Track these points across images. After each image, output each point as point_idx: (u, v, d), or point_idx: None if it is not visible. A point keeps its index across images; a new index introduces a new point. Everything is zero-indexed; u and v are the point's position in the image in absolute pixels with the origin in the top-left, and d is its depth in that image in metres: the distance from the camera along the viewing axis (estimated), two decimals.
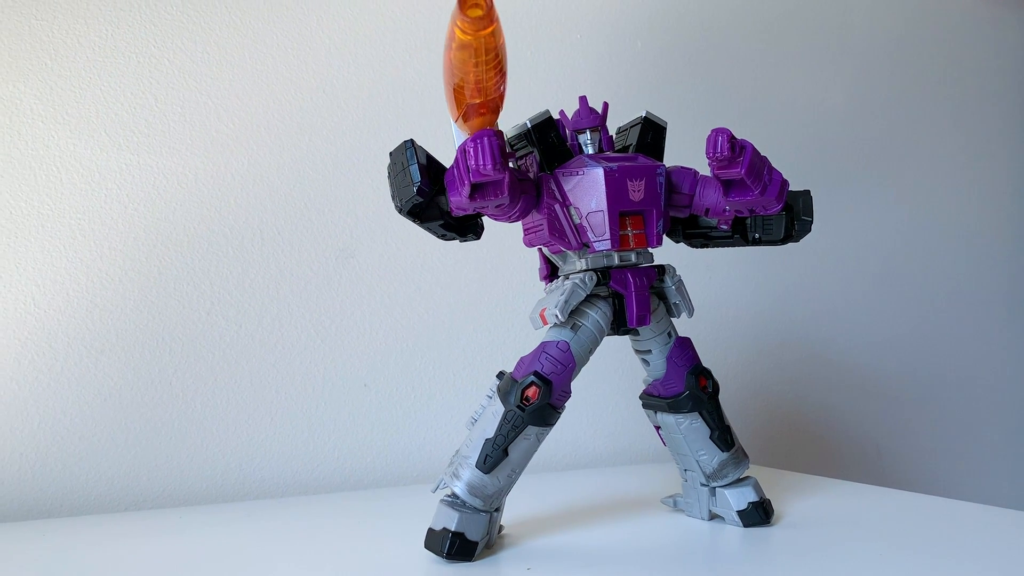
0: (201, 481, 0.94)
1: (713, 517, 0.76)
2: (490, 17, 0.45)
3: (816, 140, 1.33)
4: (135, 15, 0.93)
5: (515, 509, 0.79)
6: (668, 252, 1.17)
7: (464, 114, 0.56)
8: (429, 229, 0.65)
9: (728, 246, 0.79)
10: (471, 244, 0.71)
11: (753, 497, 0.73)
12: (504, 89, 0.55)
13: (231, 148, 0.97)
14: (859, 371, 1.35)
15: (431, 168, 0.61)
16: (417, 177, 0.59)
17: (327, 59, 1.02)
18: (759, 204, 0.68)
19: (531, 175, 0.68)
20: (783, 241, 0.78)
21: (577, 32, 1.17)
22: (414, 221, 0.63)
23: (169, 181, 0.94)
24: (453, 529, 0.63)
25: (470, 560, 0.63)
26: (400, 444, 1.03)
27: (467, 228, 0.68)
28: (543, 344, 0.66)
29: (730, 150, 0.64)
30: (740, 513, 0.73)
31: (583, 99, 0.72)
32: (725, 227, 0.76)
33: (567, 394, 0.66)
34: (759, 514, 0.73)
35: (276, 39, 0.99)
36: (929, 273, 1.43)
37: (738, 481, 0.74)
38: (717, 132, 0.64)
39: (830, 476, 0.95)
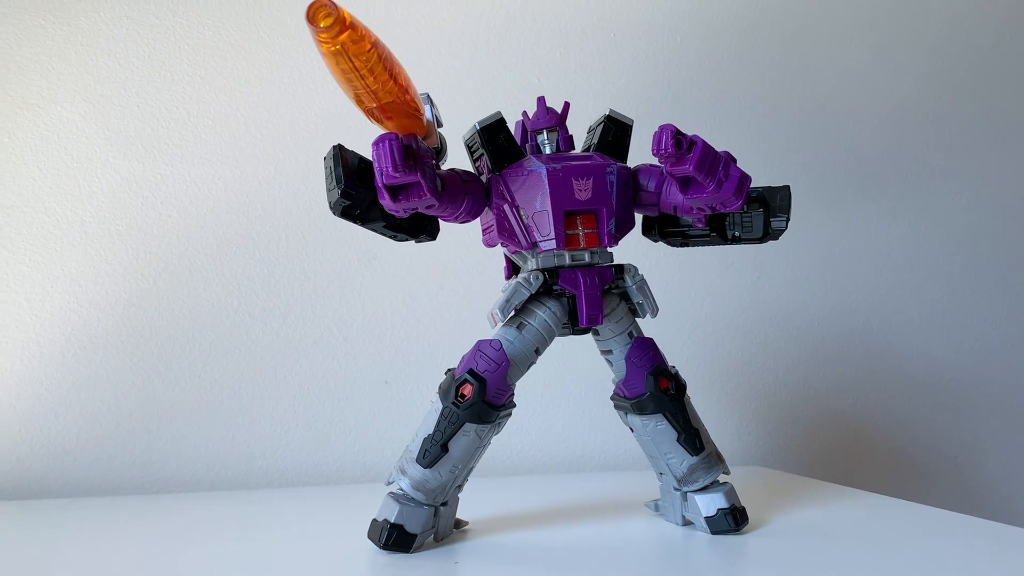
0: (227, 468, 1.00)
1: (687, 523, 0.74)
2: (342, 22, 0.47)
3: (882, 135, 1.25)
4: (170, 36, 1.01)
5: (493, 508, 0.81)
6: (699, 255, 1.15)
7: (376, 120, 0.57)
8: (374, 230, 0.67)
9: (706, 244, 0.77)
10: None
11: (723, 503, 0.71)
12: (407, 90, 0.56)
13: (258, 157, 1.03)
14: (928, 380, 1.26)
15: (362, 171, 0.63)
16: (341, 180, 0.62)
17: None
18: (716, 201, 0.66)
19: (484, 176, 0.70)
20: (762, 240, 0.75)
21: (612, 31, 1.16)
22: (355, 223, 0.66)
23: (200, 189, 1.01)
24: (392, 521, 0.65)
25: (407, 552, 0.65)
26: None
27: (419, 229, 0.70)
28: (478, 343, 0.67)
29: (675, 146, 0.63)
30: (708, 519, 0.71)
31: (541, 100, 0.73)
32: (700, 225, 0.74)
33: (504, 392, 0.67)
34: (727, 521, 0.70)
35: (302, 54, 1.04)
36: (1007, 275, 1.31)
37: (711, 486, 0.72)
38: (662, 128, 0.63)
39: (893, 494, 0.89)
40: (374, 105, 0.54)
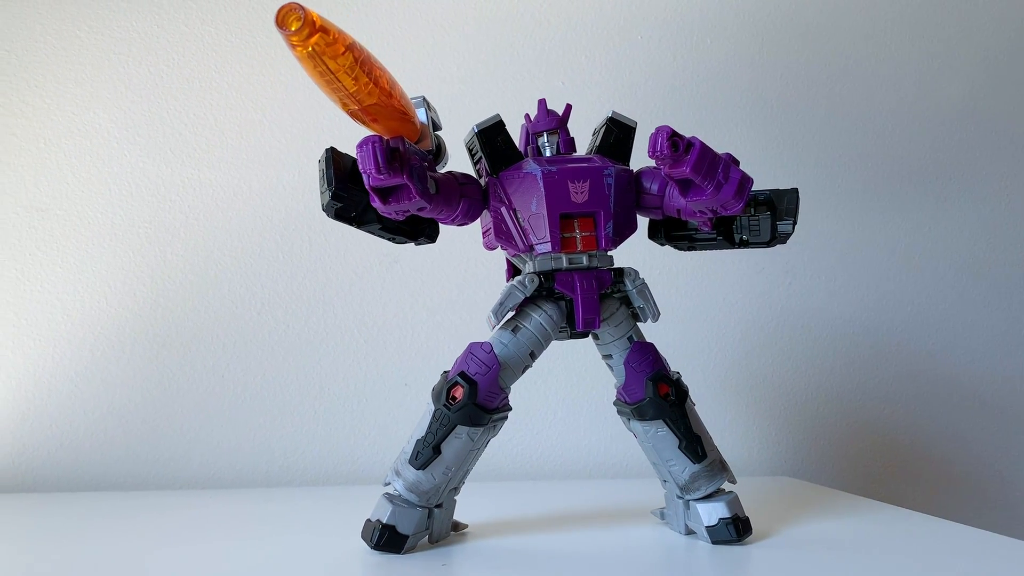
0: (248, 467, 1.02)
1: (690, 531, 0.73)
2: (311, 24, 0.47)
3: (923, 136, 1.21)
4: (199, 45, 1.04)
5: (497, 511, 0.81)
6: (726, 259, 1.13)
7: (362, 122, 0.58)
8: (371, 232, 0.68)
9: (713, 248, 0.76)
10: None
11: (725, 513, 0.69)
12: (391, 93, 0.56)
13: (283, 162, 1.05)
14: (971, 390, 1.21)
15: (355, 174, 0.64)
16: (332, 182, 0.62)
17: None
18: (716, 204, 0.65)
19: (483, 179, 0.70)
20: (769, 244, 0.74)
21: (639, 33, 1.15)
22: (351, 225, 0.66)
23: (226, 193, 1.03)
24: (385, 521, 0.65)
25: (398, 552, 0.65)
26: None
27: (417, 231, 0.70)
28: (470, 345, 0.67)
29: (671, 148, 0.62)
30: (709, 528, 0.69)
31: (541, 102, 0.73)
32: (706, 229, 0.72)
33: (496, 395, 0.66)
34: (729, 531, 0.69)
35: None
36: None
37: (714, 495, 0.71)
38: (658, 130, 0.62)
39: (934, 511, 0.85)
40: (355, 107, 0.55)
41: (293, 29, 0.46)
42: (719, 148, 1.12)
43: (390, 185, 0.58)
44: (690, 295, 1.14)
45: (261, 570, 0.62)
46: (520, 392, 1.05)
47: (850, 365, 1.17)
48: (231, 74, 1.04)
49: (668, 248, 0.77)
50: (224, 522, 0.80)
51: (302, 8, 0.47)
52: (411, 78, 1.07)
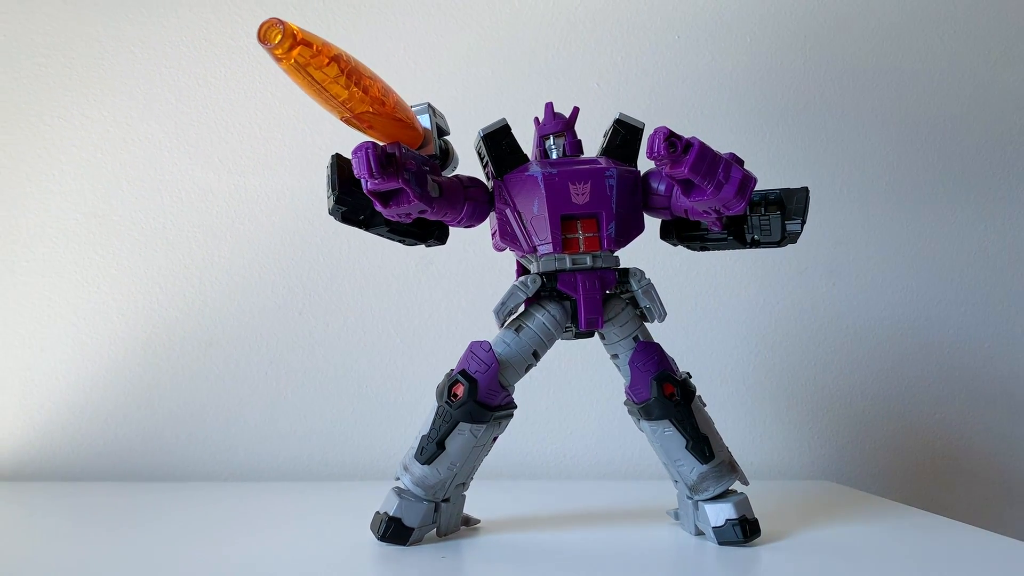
0: (289, 461, 1.06)
1: (700, 532, 0.73)
2: (292, 37, 0.50)
3: (976, 129, 1.16)
4: (244, 57, 1.08)
5: (514, 509, 0.82)
6: (770, 261, 1.11)
7: (357, 129, 0.60)
8: (380, 234, 0.70)
9: (725, 248, 0.75)
10: None
11: (732, 514, 0.69)
12: (384, 101, 0.59)
13: (323, 169, 1.08)
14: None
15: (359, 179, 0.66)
16: (335, 187, 0.65)
17: (409, 81, 1.10)
18: (718, 204, 0.65)
19: (490, 182, 0.71)
20: (780, 243, 0.73)
21: (676, 33, 1.15)
22: (359, 228, 0.69)
23: (269, 198, 1.08)
24: (391, 514, 0.68)
25: (403, 544, 0.67)
26: None
27: (427, 233, 0.72)
28: (471, 344, 0.69)
29: (667, 148, 0.62)
30: (715, 529, 0.69)
31: (548, 105, 0.74)
32: (716, 229, 0.72)
33: (497, 393, 0.68)
34: (735, 532, 0.69)
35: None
36: None
37: (723, 495, 0.70)
38: (656, 131, 0.63)
39: (988, 526, 0.80)
40: (348, 115, 0.57)
41: (275, 43, 0.49)
42: (759, 150, 1.14)
43: (386, 189, 0.61)
44: (728, 296, 1.13)
45: (266, 558, 0.65)
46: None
47: (897, 368, 1.14)
48: (275, 86, 1.09)
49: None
50: (255, 513, 0.84)
51: (282, 23, 0.49)
52: (447, 83, 1.10)
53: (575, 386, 1.10)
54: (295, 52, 0.50)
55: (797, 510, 0.85)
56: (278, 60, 0.50)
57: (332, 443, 1.07)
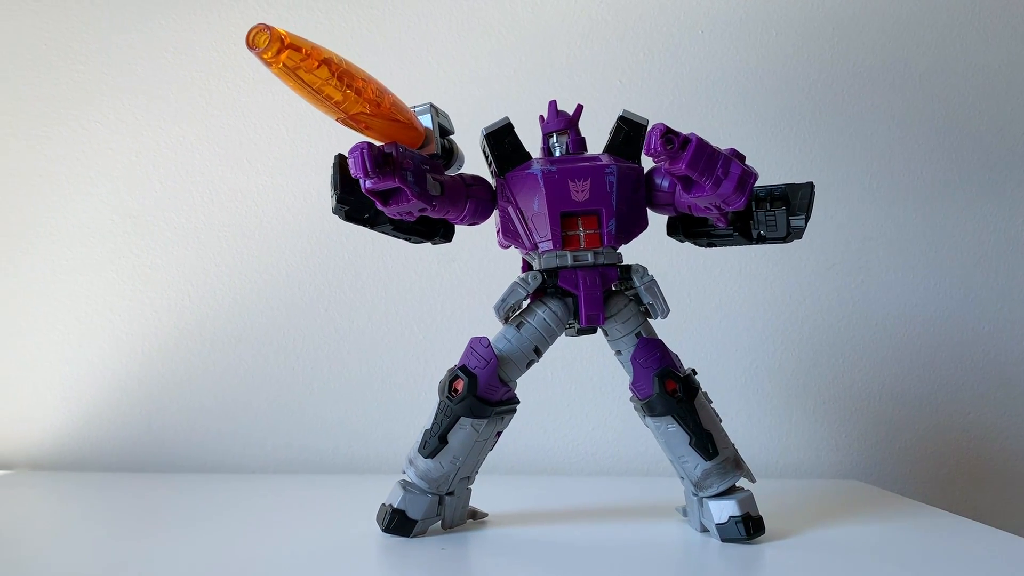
0: (316, 454, 1.09)
1: (704, 529, 0.72)
2: (279, 41, 0.51)
3: (1019, 120, 1.13)
4: None
5: (520, 503, 0.83)
6: (798, 255, 1.10)
7: (354, 130, 0.62)
8: (385, 232, 0.72)
9: (731, 244, 0.75)
10: None
11: (735, 511, 0.69)
12: (379, 102, 0.60)
13: None
14: None
15: None
16: (337, 187, 0.67)
17: (432, 82, 1.12)
18: (717, 200, 0.65)
19: (494, 180, 0.72)
20: (785, 239, 0.72)
21: (700, 28, 1.14)
22: (364, 227, 0.70)
23: (296, 198, 1.11)
24: (396, 506, 0.69)
25: (406, 536, 0.69)
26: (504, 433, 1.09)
27: (432, 231, 0.74)
28: (471, 340, 0.70)
29: (664, 145, 0.62)
30: (719, 526, 0.69)
31: (552, 103, 0.74)
32: (721, 225, 0.72)
33: (497, 388, 0.69)
34: (738, 529, 0.68)
35: (388, 68, 1.12)
36: None
37: (726, 492, 0.70)
38: (653, 127, 0.63)
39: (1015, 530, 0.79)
40: (342, 116, 0.59)
41: (262, 47, 0.51)
42: (787, 145, 1.13)
43: (383, 188, 0.62)
44: (753, 292, 1.11)
45: (268, 551, 0.67)
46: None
47: (929, 366, 1.11)
48: None
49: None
50: (278, 504, 0.87)
51: (268, 28, 0.51)
52: (470, 83, 1.12)
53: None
54: (283, 56, 0.52)
55: (814, 508, 0.84)
56: (268, 65, 0.52)
57: (357, 437, 1.09)
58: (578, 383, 1.10)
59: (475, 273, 1.10)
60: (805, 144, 1.13)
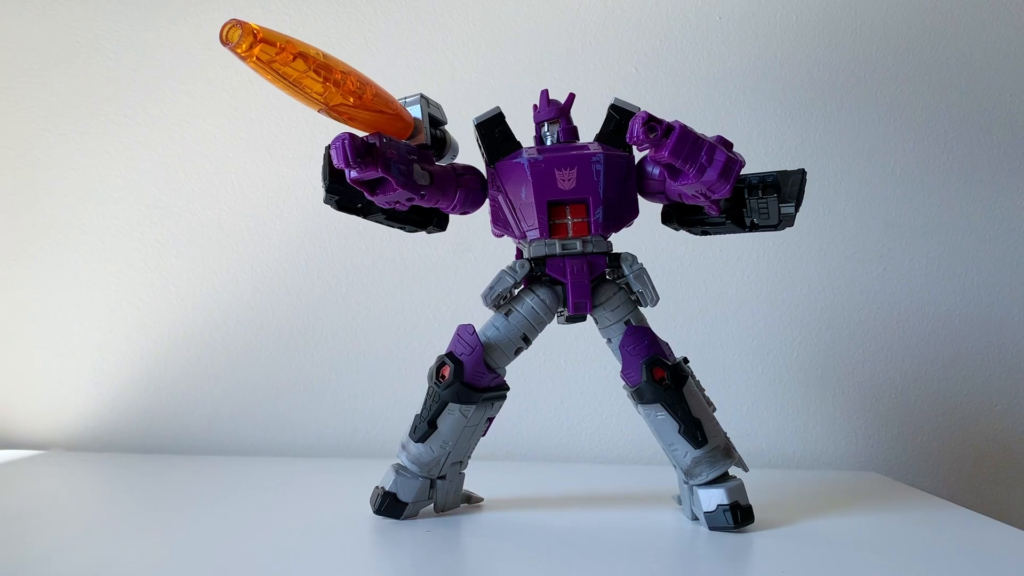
0: (334, 438, 1.11)
1: (695, 517, 0.73)
2: (252, 35, 0.53)
3: None
4: None
5: (525, 489, 0.84)
6: (818, 243, 1.08)
7: (338, 121, 0.63)
8: (378, 222, 0.73)
9: (726, 232, 0.75)
10: None
11: (723, 499, 0.69)
12: (357, 92, 0.61)
13: None
14: None
15: None
16: (326, 178, 0.68)
17: (448, 73, 1.13)
18: (702, 187, 0.65)
19: (485, 169, 0.73)
20: (777, 227, 0.72)
21: (717, 14, 1.13)
22: (358, 215, 0.72)
23: (316, 189, 1.12)
24: (387, 489, 0.71)
25: (397, 518, 0.71)
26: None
27: (425, 220, 0.75)
28: (458, 327, 0.71)
29: (647, 133, 0.63)
30: (707, 514, 0.69)
31: (544, 92, 0.75)
32: (713, 213, 0.72)
33: (484, 375, 0.70)
34: (726, 518, 0.68)
35: (406, 61, 1.13)
36: None
37: (716, 480, 0.70)
38: (635, 116, 0.63)
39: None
40: (323, 107, 0.60)
41: (235, 42, 0.52)
42: (810, 130, 1.11)
43: (367, 179, 0.63)
44: (772, 281, 1.10)
45: (265, 530, 0.69)
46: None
47: (955, 358, 1.09)
48: None
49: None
50: (292, 484, 0.90)
51: (240, 23, 0.52)
52: (485, 73, 1.12)
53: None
54: (256, 50, 0.53)
55: (818, 499, 0.83)
56: (242, 59, 0.54)
57: (374, 422, 1.12)
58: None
59: (489, 262, 1.11)
60: (826, 127, 1.11)
